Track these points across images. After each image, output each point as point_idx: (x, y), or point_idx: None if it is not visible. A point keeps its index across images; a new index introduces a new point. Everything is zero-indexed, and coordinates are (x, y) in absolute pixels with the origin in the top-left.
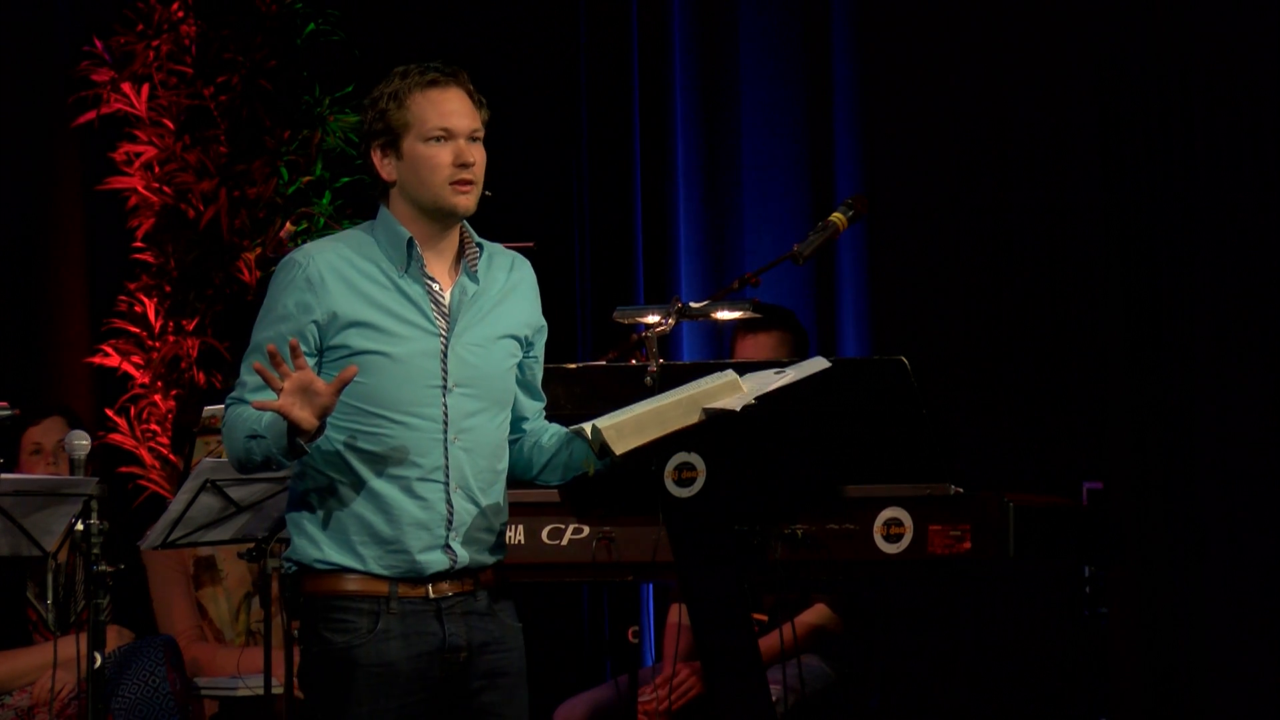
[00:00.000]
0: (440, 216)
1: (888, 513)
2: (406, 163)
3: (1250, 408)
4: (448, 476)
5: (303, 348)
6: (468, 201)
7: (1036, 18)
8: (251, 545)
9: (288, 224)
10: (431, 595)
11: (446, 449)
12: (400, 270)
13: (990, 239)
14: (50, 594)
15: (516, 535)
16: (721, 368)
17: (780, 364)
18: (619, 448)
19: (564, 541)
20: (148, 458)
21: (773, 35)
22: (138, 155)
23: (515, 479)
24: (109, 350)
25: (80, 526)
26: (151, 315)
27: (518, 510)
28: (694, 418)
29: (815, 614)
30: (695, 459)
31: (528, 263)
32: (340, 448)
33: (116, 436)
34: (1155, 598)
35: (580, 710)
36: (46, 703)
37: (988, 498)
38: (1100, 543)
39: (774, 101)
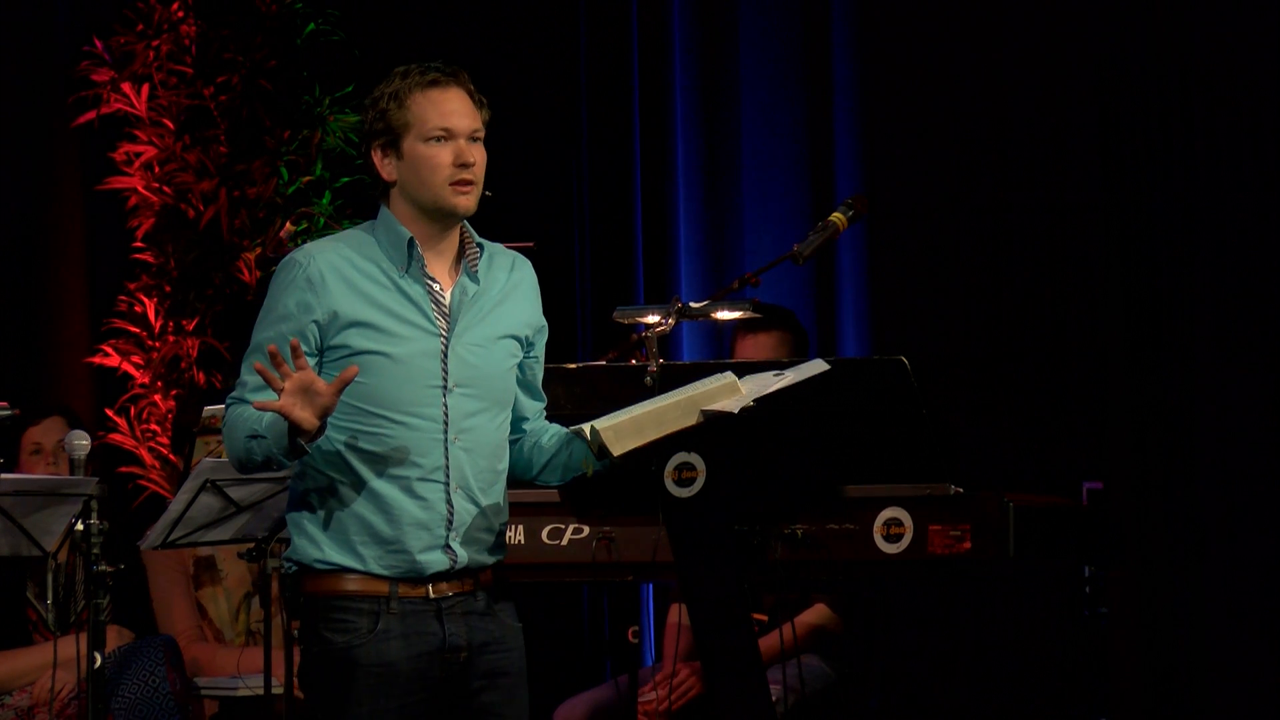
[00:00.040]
0: (440, 216)
1: (888, 513)
2: (407, 163)
3: (1250, 408)
4: (448, 476)
5: (303, 348)
6: (468, 202)
7: (1036, 18)
8: (251, 545)
9: (288, 224)
10: (432, 595)
11: (447, 449)
12: (401, 270)
13: (990, 239)
14: (50, 594)
15: (516, 535)
16: (721, 368)
17: (780, 364)
18: (617, 449)
19: (564, 541)
20: (148, 458)
21: (773, 35)
22: (138, 155)
23: (515, 479)
24: (109, 350)
25: (80, 526)
26: (151, 315)
27: (518, 510)
28: (692, 419)
29: (815, 614)
30: (695, 459)
31: (528, 263)
32: (341, 448)
33: (116, 436)
34: (1155, 598)
35: (580, 710)
36: (46, 703)
37: (988, 498)
38: (1100, 543)
39: (774, 101)
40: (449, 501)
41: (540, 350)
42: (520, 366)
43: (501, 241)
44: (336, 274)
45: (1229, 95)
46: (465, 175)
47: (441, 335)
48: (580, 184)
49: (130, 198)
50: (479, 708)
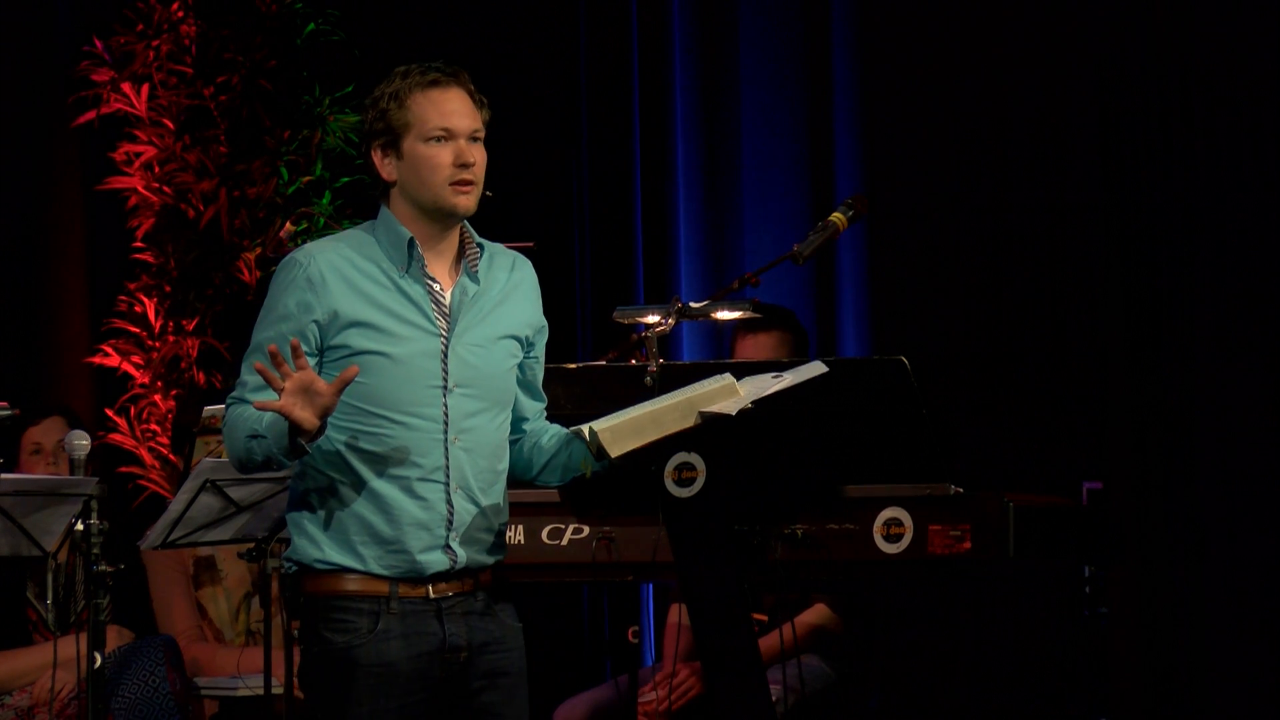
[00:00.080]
0: (440, 216)
1: (888, 513)
2: (407, 163)
3: (1250, 408)
4: (448, 477)
5: (303, 348)
6: (468, 202)
7: (1036, 18)
8: (251, 545)
9: (288, 224)
10: (432, 595)
11: (447, 449)
12: (401, 270)
13: (990, 239)
14: (50, 594)
15: (516, 535)
16: (722, 368)
17: (780, 365)
18: (614, 450)
19: (564, 541)
20: (148, 458)
21: (773, 35)
22: (138, 155)
23: (515, 479)
24: (109, 350)
25: (80, 526)
26: (151, 315)
27: (518, 510)
28: (690, 421)
29: (815, 614)
30: (695, 459)
31: (529, 263)
32: (341, 448)
33: (116, 436)
34: (1155, 598)
35: (580, 710)
36: (46, 703)
37: (988, 498)
38: (1100, 543)
39: (774, 101)
40: (449, 502)
41: (540, 350)
42: (520, 367)
43: (501, 241)
44: (337, 274)
45: (1229, 95)
46: (465, 175)
47: (442, 335)
48: (580, 184)
49: (130, 198)
50: (479, 708)
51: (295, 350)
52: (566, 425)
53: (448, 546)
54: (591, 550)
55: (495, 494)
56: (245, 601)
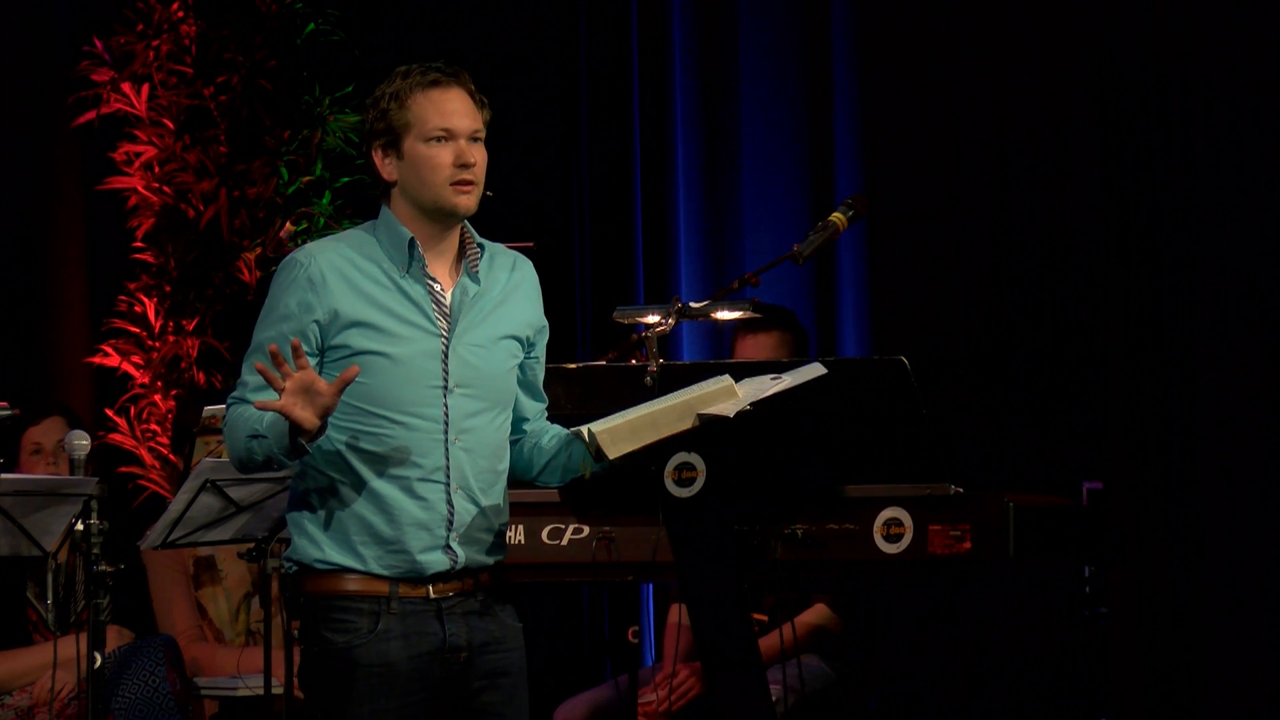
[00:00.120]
0: (441, 217)
1: (888, 513)
2: (407, 163)
3: (1250, 407)
4: (448, 477)
5: (304, 347)
6: (468, 202)
7: (1036, 18)
8: (251, 545)
9: (288, 224)
10: (432, 595)
11: (447, 449)
12: (402, 270)
13: (990, 239)
14: (50, 594)
15: (516, 535)
16: (722, 368)
17: (779, 365)
18: (612, 452)
19: (564, 541)
20: (148, 458)
21: (773, 35)
22: (138, 155)
23: (515, 479)
24: (109, 350)
25: (80, 526)
26: (151, 315)
27: (518, 510)
28: (688, 423)
29: (815, 614)
30: (695, 459)
31: (529, 263)
32: (341, 448)
33: (116, 436)
34: (1155, 598)
35: (580, 710)
36: (46, 703)
37: (988, 498)
38: (1100, 543)
39: (774, 101)
40: (449, 502)
41: (541, 351)
42: (521, 367)
43: (501, 241)
44: (337, 274)
45: (1229, 95)
46: (466, 175)
47: (442, 335)
48: (580, 184)
49: (130, 198)
50: (479, 708)
51: (296, 350)
52: (567, 425)
53: (448, 547)
54: (591, 550)
55: (496, 494)
56: (245, 601)
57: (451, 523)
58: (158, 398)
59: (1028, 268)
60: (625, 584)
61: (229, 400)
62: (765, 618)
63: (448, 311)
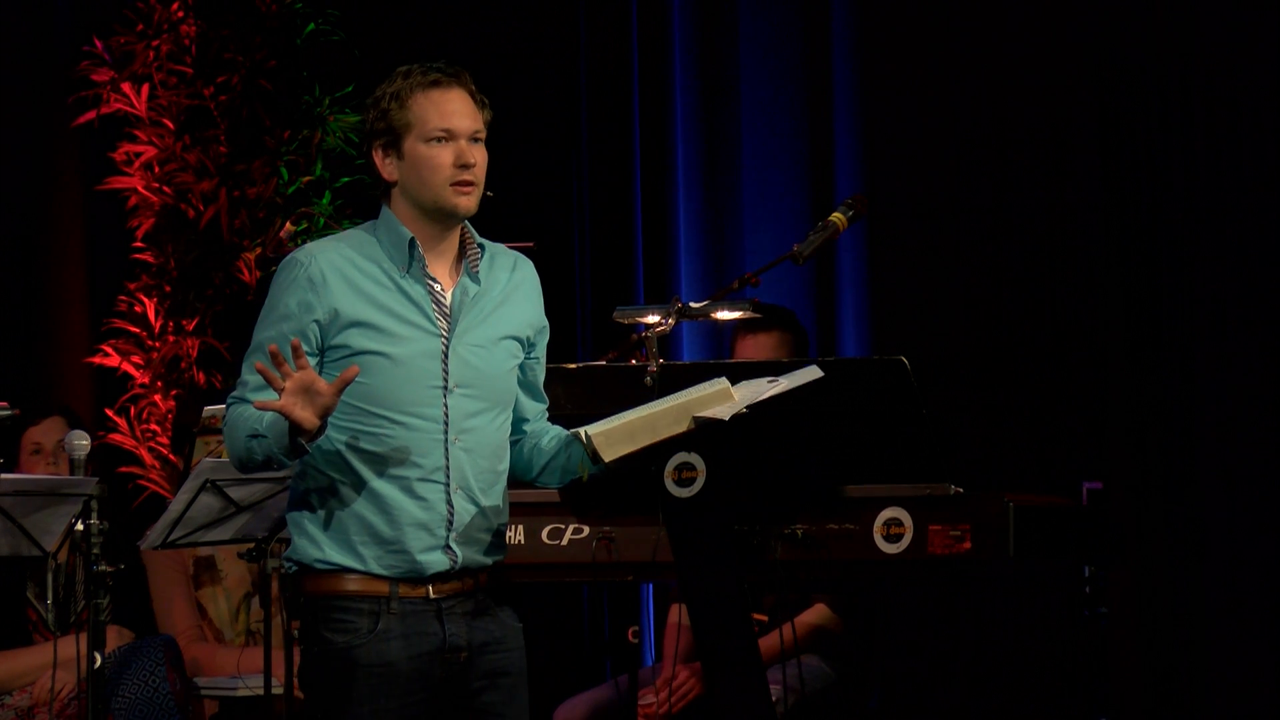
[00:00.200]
0: (441, 217)
1: (888, 513)
2: (408, 163)
3: (1250, 407)
4: (448, 477)
5: (304, 347)
6: (469, 202)
7: (1036, 18)
8: (251, 545)
9: (288, 224)
10: (432, 595)
11: (447, 449)
12: (402, 270)
13: (990, 239)
14: (50, 594)
15: (516, 535)
16: (721, 368)
17: (779, 365)
18: (608, 455)
19: (564, 541)
20: (148, 458)
21: (773, 35)
22: (138, 155)
23: (515, 480)
24: (109, 350)
25: (80, 526)
26: (151, 315)
27: (518, 510)
28: (684, 426)
29: (815, 614)
30: (695, 459)
31: (530, 263)
32: (341, 448)
33: (116, 436)
34: (1155, 598)
35: (580, 710)
36: (46, 703)
37: (988, 498)
38: (1100, 543)
39: (774, 101)
40: (449, 502)
41: (541, 351)
42: (521, 367)
43: (501, 241)
44: (338, 274)
45: (1229, 95)
46: (466, 176)
47: (442, 336)
48: (580, 184)
49: (130, 198)
50: (479, 708)
51: (296, 350)
52: (567, 425)
53: (448, 547)
54: (591, 550)
55: (495, 494)
56: (245, 601)
57: (451, 523)
58: (158, 398)
59: (1028, 268)
60: (625, 584)
61: (229, 400)
62: (765, 618)
63: (448, 312)
